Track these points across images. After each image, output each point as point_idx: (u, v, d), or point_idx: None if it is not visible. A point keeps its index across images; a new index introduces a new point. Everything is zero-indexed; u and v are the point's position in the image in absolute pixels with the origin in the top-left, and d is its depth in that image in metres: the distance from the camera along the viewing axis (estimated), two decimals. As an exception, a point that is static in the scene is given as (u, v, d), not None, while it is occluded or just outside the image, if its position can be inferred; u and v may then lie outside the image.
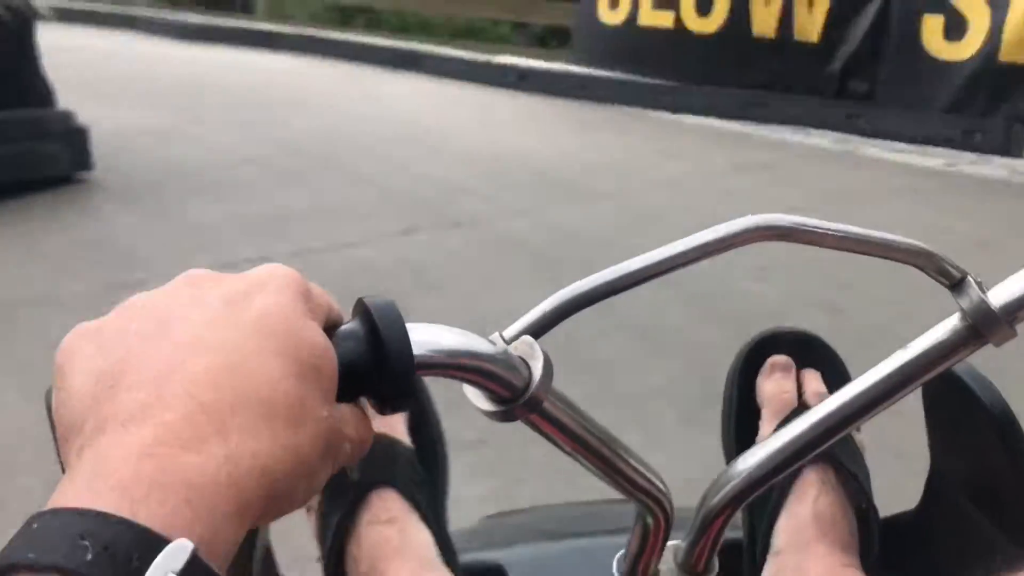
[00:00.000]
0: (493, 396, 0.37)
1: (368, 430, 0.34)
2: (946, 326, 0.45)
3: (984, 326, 0.44)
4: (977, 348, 0.44)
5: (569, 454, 0.42)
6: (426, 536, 0.63)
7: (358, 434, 0.33)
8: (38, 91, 4.17)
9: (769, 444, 0.48)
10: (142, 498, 0.24)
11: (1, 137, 3.86)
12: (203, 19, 9.19)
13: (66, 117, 4.21)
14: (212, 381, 0.27)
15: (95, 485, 0.25)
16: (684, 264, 0.43)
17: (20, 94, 4.05)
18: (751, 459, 0.48)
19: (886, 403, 0.46)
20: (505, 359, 0.36)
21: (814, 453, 0.47)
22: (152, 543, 0.23)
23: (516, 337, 0.39)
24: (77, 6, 9.69)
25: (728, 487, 0.49)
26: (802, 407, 0.69)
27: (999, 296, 0.44)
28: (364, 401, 0.35)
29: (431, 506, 0.65)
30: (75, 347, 0.30)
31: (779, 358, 0.72)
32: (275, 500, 0.28)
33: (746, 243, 0.43)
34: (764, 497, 0.65)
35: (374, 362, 0.33)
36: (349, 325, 0.34)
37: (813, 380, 0.72)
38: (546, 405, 0.38)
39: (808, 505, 0.64)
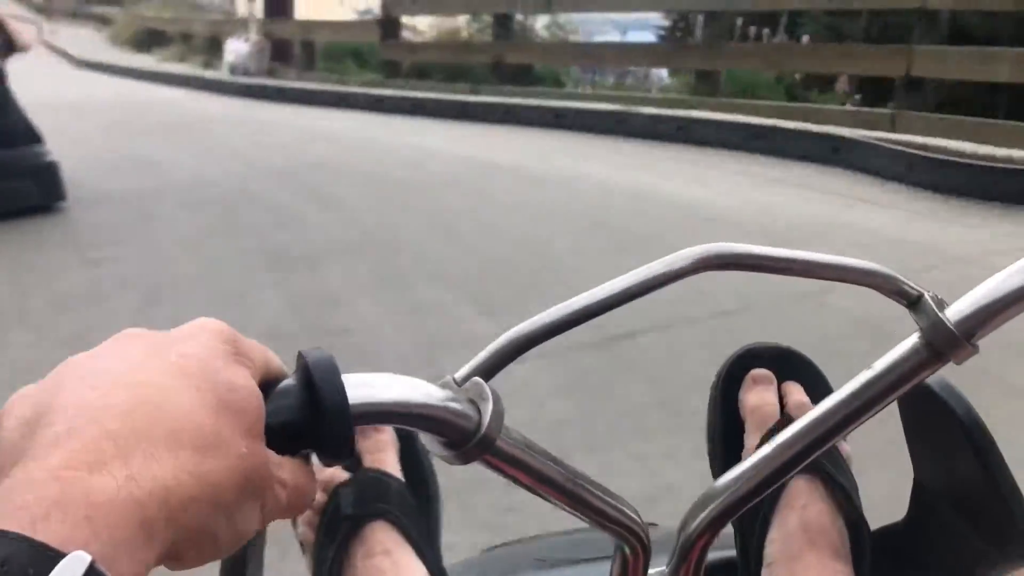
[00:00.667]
0: (445, 440, 0.37)
1: (310, 482, 0.35)
2: (906, 346, 0.45)
3: (943, 346, 0.43)
4: (939, 367, 0.44)
5: (531, 491, 0.41)
6: (420, 568, 0.63)
7: (295, 482, 0.34)
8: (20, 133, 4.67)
9: (743, 466, 0.48)
10: (42, 516, 0.25)
11: None
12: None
13: (36, 155, 4.68)
14: (122, 412, 0.29)
15: (2, 510, 0.26)
16: (631, 298, 0.43)
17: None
18: (728, 480, 0.48)
19: (856, 423, 0.46)
20: (450, 404, 0.37)
21: (791, 475, 0.47)
22: (48, 557, 0.24)
23: (467, 379, 0.40)
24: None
25: (707, 510, 0.48)
26: (785, 419, 0.69)
27: (957, 313, 0.43)
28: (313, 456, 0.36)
29: (424, 537, 0.65)
30: (12, 403, 0.31)
31: (760, 371, 0.72)
32: (186, 529, 0.29)
33: (694, 273, 0.43)
34: (753, 512, 0.65)
35: (311, 417, 0.33)
36: (287, 381, 0.35)
37: (795, 391, 0.72)
38: (499, 445, 0.38)
39: (797, 515, 0.64)
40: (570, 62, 10.14)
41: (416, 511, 0.66)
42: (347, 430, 0.33)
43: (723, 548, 0.72)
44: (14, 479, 0.27)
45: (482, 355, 0.41)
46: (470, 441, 0.37)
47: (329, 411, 0.33)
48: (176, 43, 15.22)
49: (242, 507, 0.31)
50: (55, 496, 0.26)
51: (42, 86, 9.06)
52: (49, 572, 0.24)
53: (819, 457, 0.64)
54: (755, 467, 0.47)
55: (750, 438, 0.70)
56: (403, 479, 0.68)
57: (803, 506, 0.65)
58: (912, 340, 0.45)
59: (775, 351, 0.73)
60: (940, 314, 0.43)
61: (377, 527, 0.64)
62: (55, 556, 0.25)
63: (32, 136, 4.71)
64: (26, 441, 0.28)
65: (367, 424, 0.35)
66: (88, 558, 0.25)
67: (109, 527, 0.26)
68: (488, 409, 0.37)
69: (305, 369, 0.34)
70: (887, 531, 0.68)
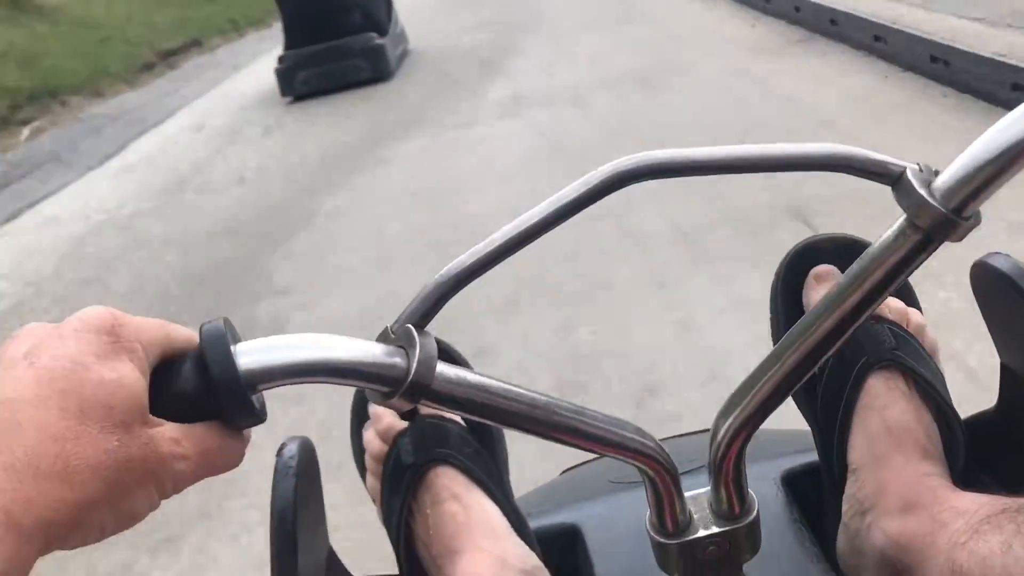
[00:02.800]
0: (383, 391, 0.38)
1: (223, 444, 0.37)
2: (895, 230, 0.40)
3: (933, 228, 0.38)
4: (935, 248, 0.40)
5: (491, 423, 0.42)
6: (492, 508, 0.63)
7: (201, 448, 0.36)
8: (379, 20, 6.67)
9: (766, 362, 0.45)
10: None
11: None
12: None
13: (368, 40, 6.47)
14: None
15: None
16: (555, 223, 0.40)
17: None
18: (752, 378, 0.46)
19: (857, 322, 0.43)
20: (369, 356, 0.37)
21: (813, 370, 0.44)
22: None
23: (400, 329, 0.40)
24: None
25: (734, 415, 0.46)
26: None
27: (943, 186, 0.38)
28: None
29: (492, 477, 0.65)
30: None
31: (823, 268, 0.68)
32: (61, 526, 0.31)
33: (621, 187, 0.40)
34: (830, 415, 0.62)
35: (206, 387, 0.35)
36: (188, 355, 0.36)
37: None
38: (436, 386, 0.38)
39: (878, 416, 0.61)
40: None
41: (480, 453, 0.66)
42: (240, 395, 0.35)
43: (805, 451, 0.69)
44: None
45: (412, 303, 0.40)
46: (401, 387, 0.37)
47: (218, 380, 0.35)
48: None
49: (127, 495, 0.33)
50: None
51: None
52: None
53: (898, 351, 0.61)
54: (776, 362, 0.45)
55: None
56: (462, 423, 0.67)
57: (883, 406, 0.61)
58: (900, 223, 0.40)
59: (839, 241, 0.69)
60: (923, 191, 0.38)
61: (441, 472, 0.63)
62: None
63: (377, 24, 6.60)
64: None
65: (271, 386, 0.36)
66: None
67: None
68: (415, 354, 0.38)
69: (200, 340, 0.36)
70: (979, 419, 0.64)
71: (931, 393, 0.61)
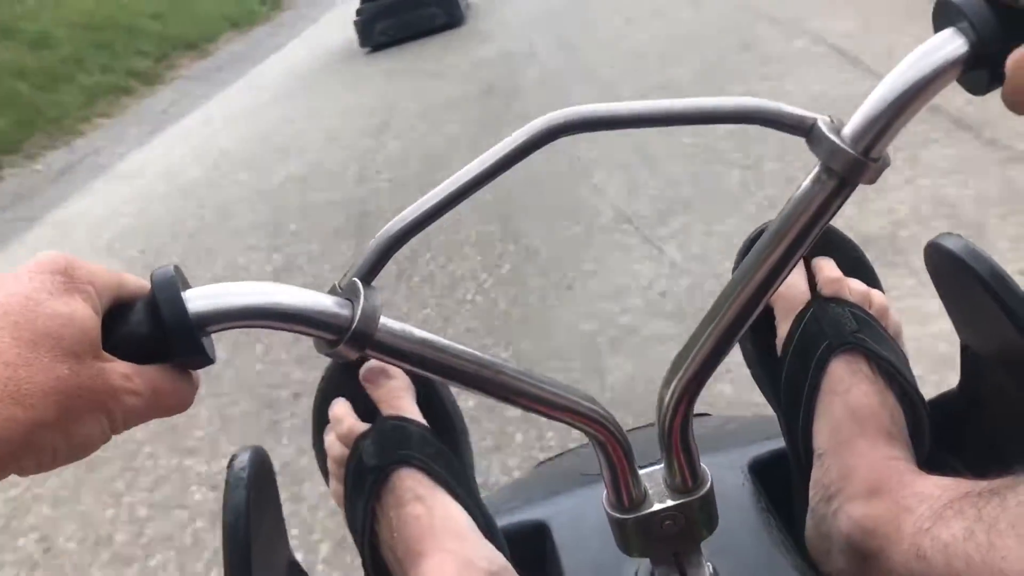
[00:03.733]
0: (327, 339, 0.40)
1: (175, 386, 0.39)
2: (812, 178, 0.42)
3: (847, 171, 0.41)
4: (850, 192, 0.42)
5: (433, 377, 0.43)
6: (456, 509, 0.62)
7: (153, 387, 0.37)
8: None
9: (700, 328, 0.47)
10: None
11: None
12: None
13: None
14: None
15: None
16: (491, 177, 0.43)
17: None
18: (691, 347, 0.47)
19: (789, 265, 0.44)
20: (314, 303, 0.39)
21: (744, 328, 0.46)
22: None
23: (347, 282, 0.42)
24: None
25: (675, 382, 0.48)
26: (818, 298, 0.66)
27: (852, 131, 0.41)
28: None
29: (456, 477, 0.64)
30: None
31: None
32: (14, 445, 0.33)
33: (550, 140, 0.43)
34: (795, 400, 0.62)
35: (156, 326, 0.37)
36: (140, 299, 0.38)
37: (826, 267, 0.68)
38: (379, 337, 0.40)
39: (840, 400, 0.61)
40: None
41: (443, 453, 0.65)
42: (190, 337, 0.37)
43: (772, 438, 0.69)
44: None
45: (359, 260, 0.43)
46: (345, 335, 0.39)
47: (168, 321, 0.37)
48: None
49: (78, 421, 0.35)
50: None
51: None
52: None
53: (860, 333, 0.61)
54: (713, 319, 0.46)
55: (781, 326, 0.67)
56: (425, 423, 0.67)
57: (847, 390, 0.61)
58: (816, 171, 0.42)
59: None
60: (834, 138, 0.41)
61: (404, 474, 0.62)
62: None
63: None
64: None
65: (221, 328, 0.38)
66: None
67: None
68: (359, 305, 0.39)
69: (152, 286, 0.38)
70: (943, 399, 0.64)
71: (895, 376, 0.61)
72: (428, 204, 0.43)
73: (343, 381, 0.69)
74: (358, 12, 7.26)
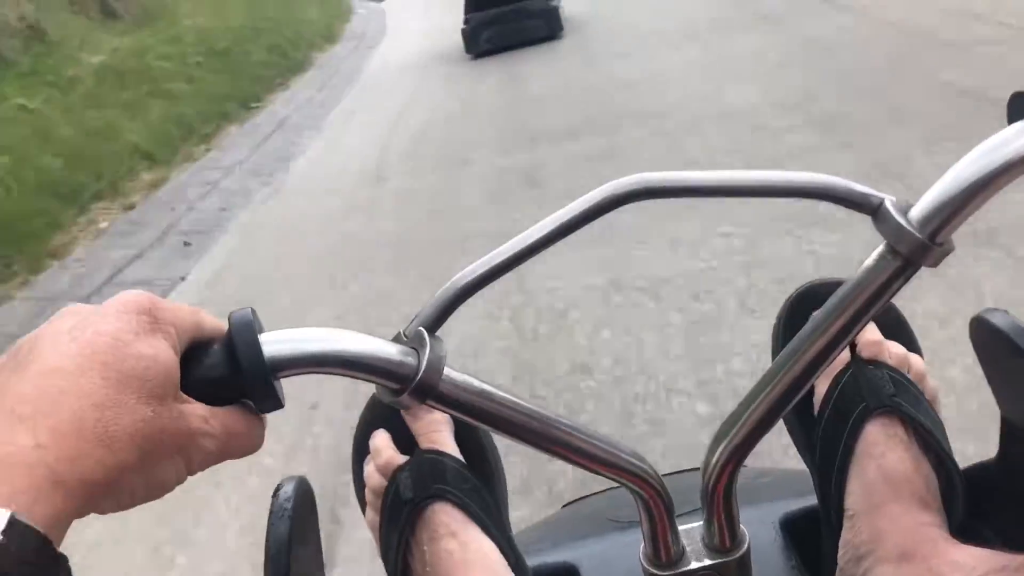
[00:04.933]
0: (392, 388, 0.40)
1: (247, 427, 0.39)
2: (876, 257, 0.43)
3: (912, 253, 0.41)
4: (912, 274, 0.42)
5: (491, 430, 0.44)
6: (488, 545, 0.62)
7: (227, 430, 0.38)
8: None
9: (751, 393, 0.47)
10: None
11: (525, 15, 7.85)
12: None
13: (545, 2, 7.95)
14: (32, 399, 0.33)
15: None
16: (559, 237, 0.43)
17: None
18: (739, 414, 0.47)
19: (845, 341, 0.45)
20: (382, 352, 0.40)
21: (797, 397, 0.46)
22: None
23: (413, 331, 0.42)
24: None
25: (721, 448, 0.48)
26: (857, 360, 0.66)
27: (920, 214, 0.41)
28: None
29: (489, 514, 0.64)
30: None
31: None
32: (98, 486, 0.33)
33: (619, 205, 0.43)
34: (829, 460, 0.63)
35: (233, 371, 0.38)
36: (217, 340, 0.39)
37: (867, 330, 0.67)
38: (443, 388, 0.40)
39: (875, 463, 0.60)
40: None
41: (477, 488, 0.66)
42: (265, 381, 0.38)
43: (804, 494, 0.70)
44: None
45: (425, 309, 0.43)
46: (410, 385, 0.40)
47: (245, 365, 0.37)
48: None
49: (158, 463, 0.36)
50: None
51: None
52: None
53: (897, 397, 0.62)
54: (764, 389, 0.46)
55: (819, 385, 0.66)
56: (461, 458, 0.68)
57: (881, 453, 0.60)
58: (880, 250, 0.43)
59: (840, 286, 0.70)
60: (901, 219, 0.41)
61: (439, 509, 0.63)
62: None
63: None
64: None
65: (293, 373, 0.39)
66: (7, 512, 0.29)
67: (25, 488, 0.31)
68: (425, 355, 0.40)
69: (229, 327, 0.38)
70: (979, 470, 0.63)
71: (930, 442, 0.61)
72: (497, 259, 0.43)
73: (385, 412, 0.70)
74: (465, 21, 7.87)
